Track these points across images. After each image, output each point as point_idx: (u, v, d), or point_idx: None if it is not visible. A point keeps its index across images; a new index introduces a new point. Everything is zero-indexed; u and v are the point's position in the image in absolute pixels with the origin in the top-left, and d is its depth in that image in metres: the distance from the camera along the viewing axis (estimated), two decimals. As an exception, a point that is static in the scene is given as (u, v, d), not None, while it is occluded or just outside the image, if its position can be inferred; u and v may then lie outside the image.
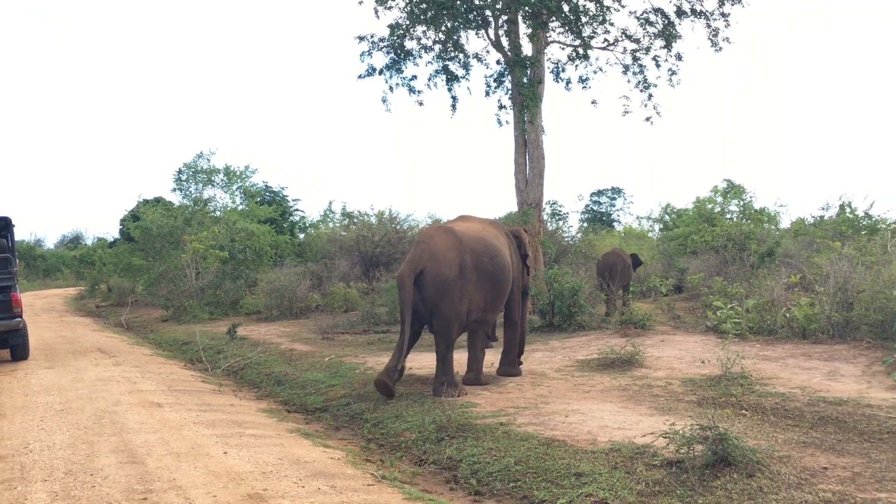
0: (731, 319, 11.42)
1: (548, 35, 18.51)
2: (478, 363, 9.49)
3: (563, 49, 19.40)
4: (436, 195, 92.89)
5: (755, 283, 15.07)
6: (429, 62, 19.03)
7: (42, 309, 27.37)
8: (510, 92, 18.34)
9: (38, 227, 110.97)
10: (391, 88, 19.08)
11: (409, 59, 18.86)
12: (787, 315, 11.63)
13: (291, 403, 9.77)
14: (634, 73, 19.23)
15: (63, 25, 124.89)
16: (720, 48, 18.64)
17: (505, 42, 18.08)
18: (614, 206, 52.10)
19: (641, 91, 19.29)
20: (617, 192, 51.88)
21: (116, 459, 6.11)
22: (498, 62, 18.66)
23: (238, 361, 12.77)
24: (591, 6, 18.29)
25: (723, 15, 18.44)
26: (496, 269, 9.07)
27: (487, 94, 19.01)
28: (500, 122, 18.91)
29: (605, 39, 19.04)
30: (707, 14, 18.47)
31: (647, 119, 19.36)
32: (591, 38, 18.70)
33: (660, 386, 8.64)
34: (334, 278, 23.51)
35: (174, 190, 29.57)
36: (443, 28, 18.19)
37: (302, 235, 33.07)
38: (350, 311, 19.60)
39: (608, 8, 18.33)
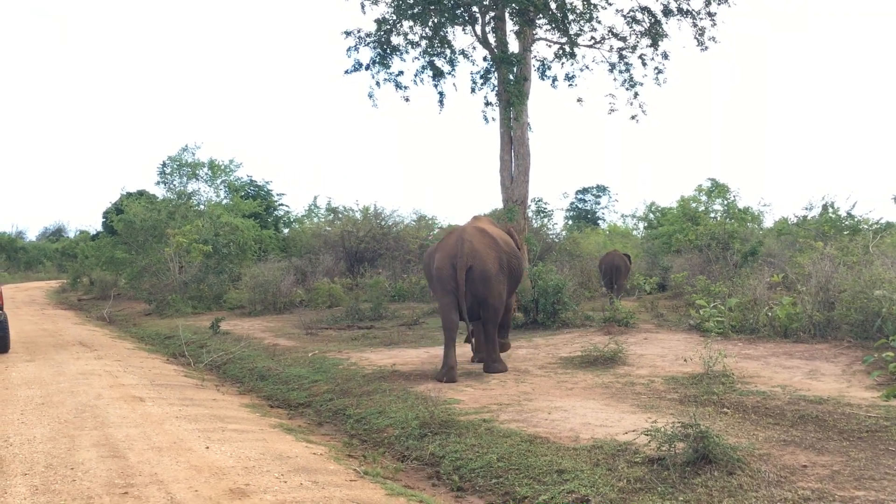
0: (713, 318, 11.48)
1: (534, 32, 18.53)
2: (496, 351, 10.12)
3: (549, 46, 19.40)
4: (421, 191, 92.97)
5: (738, 281, 15.16)
6: (415, 58, 19.02)
7: (23, 302, 27.16)
8: (496, 89, 18.35)
9: (20, 219, 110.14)
10: (378, 84, 19.07)
11: (395, 55, 18.84)
12: (770, 314, 11.71)
13: (274, 398, 9.75)
14: (621, 72, 19.29)
15: (63, 25, 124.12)
16: (706, 47, 18.72)
17: (491, 39, 18.08)
18: (599, 203, 52.31)
19: (627, 89, 19.35)
20: (602, 190, 52.08)
21: (97, 453, 6.08)
22: (484, 59, 18.67)
23: (221, 356, 12.73)
24: (579, 4, 18.33)
25: (709, 14, 18.52)
26: (518, 269, 10.34)
27: (473, 90, 19.02)
28: (486, 119, 18.92)
29: (592, 37, 19.08)
30: (693, 13, 18.55)
31: (633, 117, 19.44)
32: (577, 35, 18.73)
33: (642, 384, 8.68)
34: (318, 273, 23.47)
35: (158, 183, 29.49)
36: (429, 23, 18.17)
37: (286, 230, 32.96)
38: (334, 307, 19.56)
39: (595, 6, 18.37)
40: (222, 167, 29.42)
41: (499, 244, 9.97)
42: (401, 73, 19.10)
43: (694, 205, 28.28)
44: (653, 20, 18.65)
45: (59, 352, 13.03)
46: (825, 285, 11.34)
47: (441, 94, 18.90)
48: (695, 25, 18.67)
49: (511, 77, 17.60)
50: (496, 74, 18.22)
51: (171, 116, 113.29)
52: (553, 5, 17.73)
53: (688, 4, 18.50)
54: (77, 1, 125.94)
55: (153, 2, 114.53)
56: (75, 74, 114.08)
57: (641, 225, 38.73)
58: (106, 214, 33.40)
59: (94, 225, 42.66)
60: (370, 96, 19.17)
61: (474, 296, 9.58)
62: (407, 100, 19.26)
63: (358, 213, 26.84)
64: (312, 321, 16.66)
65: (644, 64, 19.15)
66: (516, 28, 17.94)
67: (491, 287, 9.60)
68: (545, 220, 27.47)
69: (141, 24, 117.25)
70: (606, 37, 19.07)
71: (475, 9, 18.10)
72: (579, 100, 19.63)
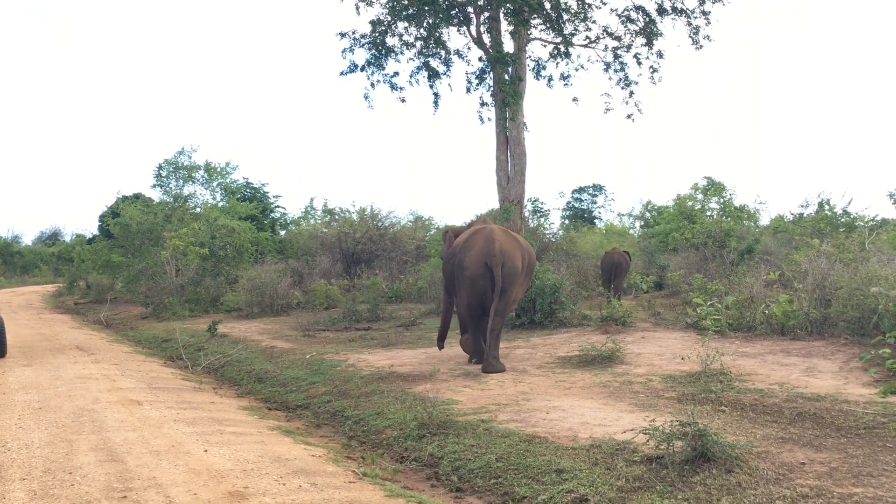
0: (710, 316, 11.50)
1: (529, 32, 18.54)
2: (497, 349, 10.45)
3: (544, 46, 19.46)
4: (418, 192, 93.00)
5: (735, 279, 15.18)
6: (410, 59, 19.04)
7: (20, 306, 27.11)
8: (492, 89, 18.36)
9: (16, 223, 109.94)
10: (373, 85, 19.08)
11: (390, 56, 18.84)
12: (766, 312, 11.72)
13: (272, 401, 9.73)
14: (616, 71, 19.33)
15: (63, 25, 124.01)
16: (701, 46, 18.76)
17: (486, 39, 18.09)
18: (596, 203, 52.35)
19: (623, 88, 19.41)
20: (598, 189, 52.13)
21: (96, 458, 6.07)
22: (479, 59, 18.69)
23: (218, 359, 12.71)
24: (573, 3, 18.36)
25: (703, 13, 18.55)
26: (533, 266, 11.29)
27: (469, 90, 19.04)
28: (481, 119, 18.94)
29: (587, 37, 19.13)
30: (688, 12, 18.58)
31: (629, 116, 19.50)
32: (572, 35, 18.76)
33: (640, 382, 8.68)
34: (315, 275, 23.44)
35: (154, 186, 29.50)
36: (424, 24, 18.17)
37: (283, 232, 32.93)
38: (331, 309, 19.55)
39: (590, 5, 18.41)
40: (218, 170, 29.42)
41: (520, 243, 10.72)
42: (396, 74, 19.15)
43: (690, 203, 28.27)
44: (647, 19, 18.69)
45: (56, 356, 13.00)
46: (822, 282, 11.35)
47: (436, 94, 18.92)
48: (689, 24, 18.71)
49: (506, 77, 17.61)
50: (491, 74, 18.24)
51: (168, 119, 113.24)
52: (548, 5, 17.76)
53: (682, 3, 18.56)
54: (77, 1, 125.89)
55: (151, 3, 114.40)
56: (72, 76, 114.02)
57: (638, 224, 38.83)
58: (102, 218, 33.40)
59: (91, 228, 42.71)
60: (366, 97, 19.19)
61: (493, 290, 10.09)
62: (403, 100, 19.28)
63: (354, 214, 26.84)
64: (310, 323, 16.64)
65: (639, 63, 19.19)
66: (511, 28, 17.96)
67: (515, 283, 10.31)
68: (541, 219, 27.36)
69: (138, 25, 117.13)
70: (601, 36, 19.11)
71: (470, 9, 18.10)
72: (575, 99, 19.61)
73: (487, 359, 9.94)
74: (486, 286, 10.04)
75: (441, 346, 11.63)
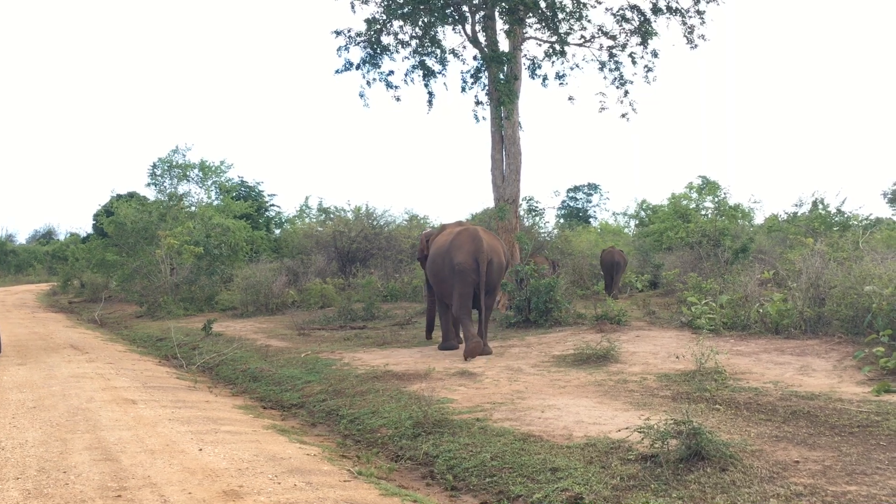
0: (705, 315, 11.52)
1: (524, 31, 18.50)
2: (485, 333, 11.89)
3: (539, 45, 19.36)
4: (413, 191, 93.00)
5: (729, 278, 15.21)
6: (406, 57, 18.95)
7: (14, 305, 27.03)
8: (487, 88, 18.32)
9: (10, 221, 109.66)
10: (368, 83, 19.01)
11: (385, 54, 18.79)
12: (761, 310, 11.74)
13: (267, 400, 9.73)
14: (611, 70, 19.28)
15: (57, 25, 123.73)
16: (696, 45, 18.74)
17: (482, 38, 18.05)
18: (591, 202, 52.37)
19: (618, 88, 19.35)
20: (593, 188, 52.15)
21: (90, 457, 6.05)
22: (475, 58, 18.63)
23: (213, 358, 12.70)
24: (568, 2, 18.31)
25: (698, 12, 18.52)
26: (509, 265, 12.41)
27: (464, 89, 18.97)
28: (476, 118, 18.89)
29: (582, 36, 19.07)
30: (683, 11, 18.55)
31: (624, 115, 19.45)
32: (567, 34, 18.71)
33: (635, 381, 8.69)
34: (310, 274, 23.44)
35: (148, 185, 29.50)
36: (420, 23, 18.13)
37: (278, 231, 32.94)
38: (326, 307, 19.54)
39: (585, 4, 18.35)
40: (213, 168, 29.40)
41: (500, 244, 11.88)
42: (391, 72, 19.06)
43: (685, 202, 28.37)
44: (642, 18, 18.64)
45: (50, 355, 12.97)
46: (816, 281, 11.38)
47: (431, 93, 18.87)
48: (684, 24, 18.68)
49: (501, 76, 17.57)
50: (486, 73, 18.19)
51: (162, 117, 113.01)
52: (543, 4, 17.71)
53: (677, 3, 18.50)
54: (73, 1, 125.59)
55: (145, 3, 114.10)
56: (66, 75, 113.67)
57: (633, 223, 38.86)
58: (96, 217, 33.34)
59: (85, 227, 42.68)
60: (361, 96, 19.14)
61: (487, 286, 11.27)
62: (398, 99, 19.24)
63: (349, 213, 26.87)
64: (305, 322, 16.64)
65: (634, 62, 19.14)
66: (506, 27, 17.90)
67: (501, 278, 11.56)
68: (537, 218, 27.40)
69: (132, 24, 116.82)
70: (596, 35, 19.05)
71: (465, 8, 18.06)
72: (570, 98, 19.58)
73: (485, 343, 11.18)
74: (476, 280, 11.11)
75: (429, 337, 13.11)
